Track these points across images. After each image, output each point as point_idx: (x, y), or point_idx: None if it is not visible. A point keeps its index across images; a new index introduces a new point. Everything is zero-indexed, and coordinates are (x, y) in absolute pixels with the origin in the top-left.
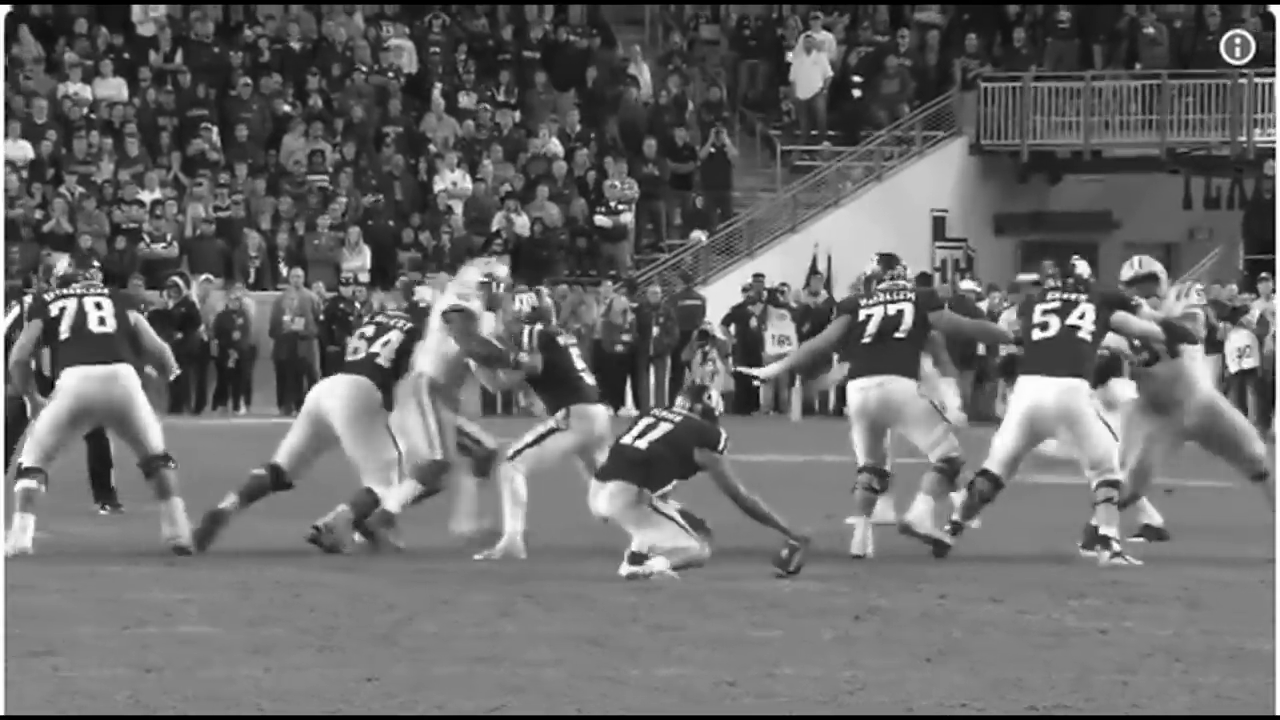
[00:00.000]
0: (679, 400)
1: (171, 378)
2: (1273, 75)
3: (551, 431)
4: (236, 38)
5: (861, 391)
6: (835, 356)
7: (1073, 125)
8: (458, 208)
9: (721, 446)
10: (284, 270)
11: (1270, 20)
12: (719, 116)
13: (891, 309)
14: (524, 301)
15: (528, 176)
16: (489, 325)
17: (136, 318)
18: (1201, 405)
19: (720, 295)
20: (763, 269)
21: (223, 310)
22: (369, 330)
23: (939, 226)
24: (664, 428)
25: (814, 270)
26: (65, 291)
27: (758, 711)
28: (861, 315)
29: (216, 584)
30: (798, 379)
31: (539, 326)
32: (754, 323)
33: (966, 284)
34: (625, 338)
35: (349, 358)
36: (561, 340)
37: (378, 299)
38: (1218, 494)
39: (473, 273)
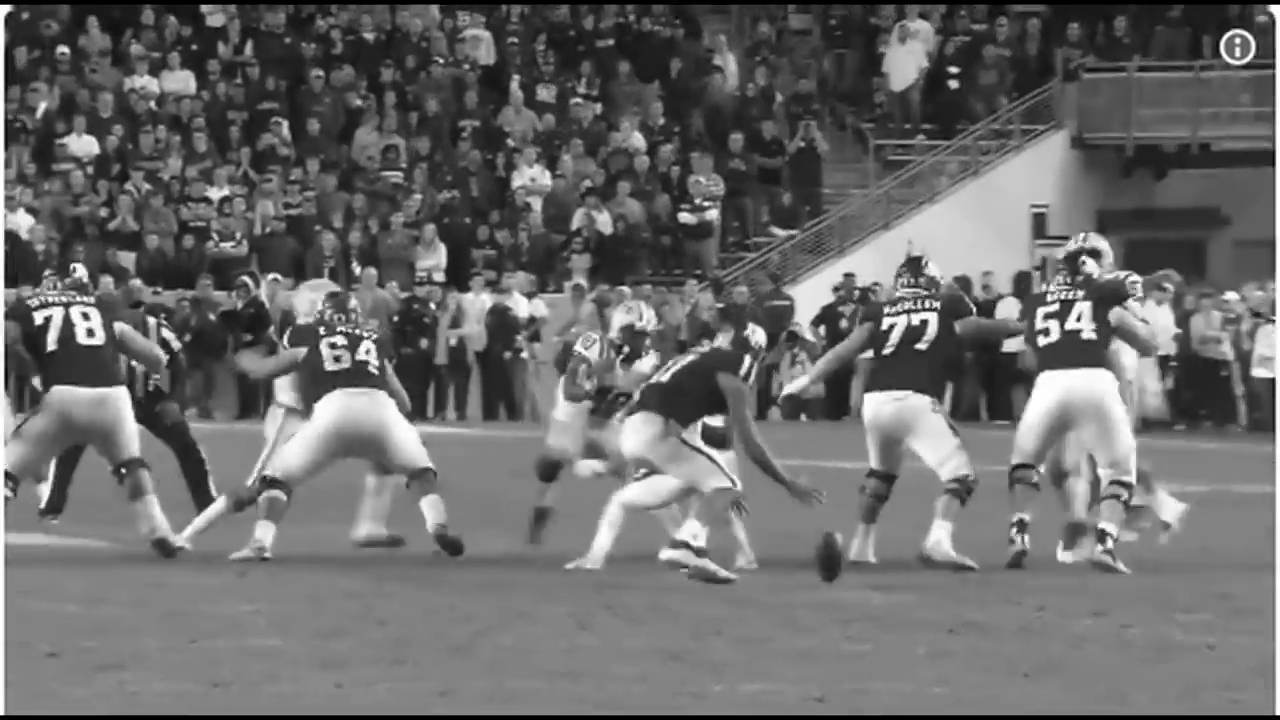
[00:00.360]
0: (718, 333)
1: (160, 375)
2: None
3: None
4: (308, 29)
5: (876, 405)
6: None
7: (1180, 117)
8: (536, 204)
9: (744, 372)
10: (356, 269)
11: None
12: (808, 109)
13: (915, 319)
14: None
15: (609, 172)
16: (646, 366)
17: (121, 328)
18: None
19: (809, 295)
20: (854, 268)
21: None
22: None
23: (1039, 224)
24: (688, 358)
25: None
26: (50, 300)
27: None
28: (885, 324)
29: (286, 595)
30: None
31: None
32: (844, 324)
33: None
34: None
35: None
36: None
37: (453, 299)
38: None
39: (620, 317)
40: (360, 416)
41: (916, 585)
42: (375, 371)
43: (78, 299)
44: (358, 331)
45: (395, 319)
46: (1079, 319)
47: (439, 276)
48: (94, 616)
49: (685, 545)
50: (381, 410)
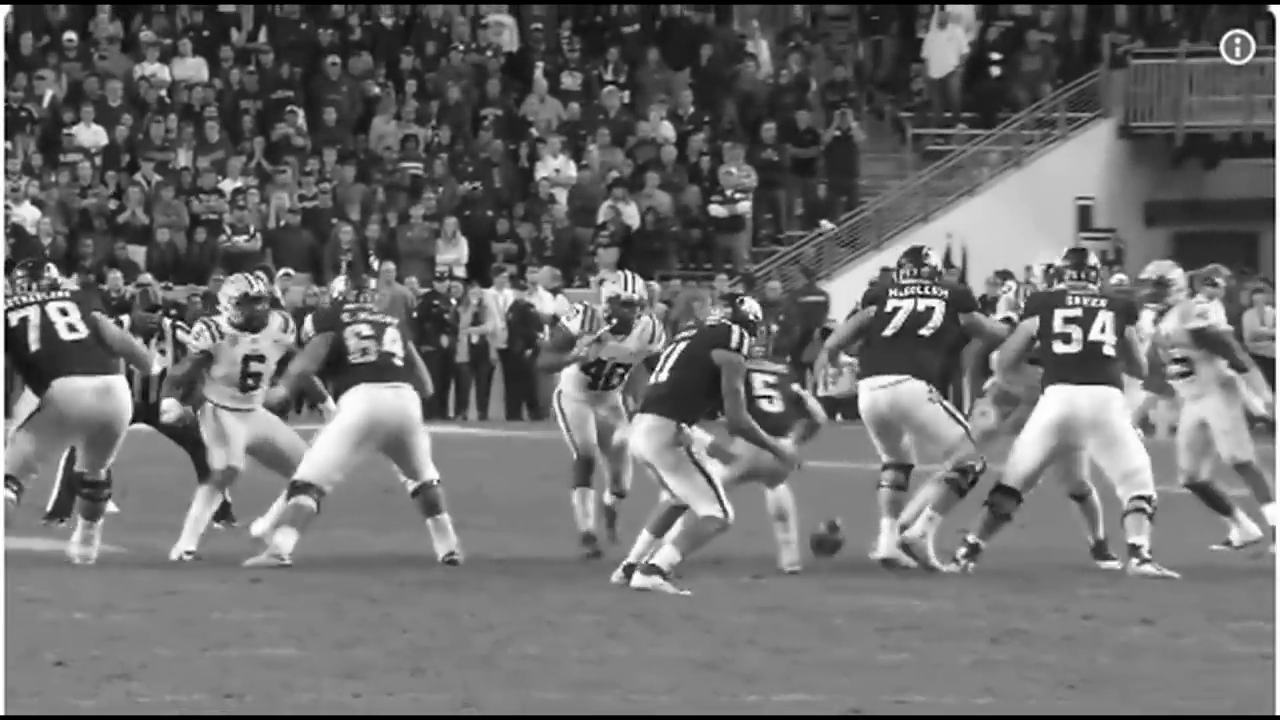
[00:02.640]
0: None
1: (154, 373)
2: None
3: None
4: (324, 14)
5: (870, 392)
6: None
7: (1231, 106)
8: (561, 196)
9: (736, 344)
10: (375, 264)
11: None
12: (844, 97)
13: (921, 304)
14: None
15: (637, 162)
16: (631, 344)
17: (98, 318)
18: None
19: (845, 291)
20: (891, 262)
21: (301, 306)
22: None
23: (1084, 216)
24: (680, 345)
25: (948, 263)
26: (24, 300)
27: None
28: (889, 306)
29: (302, 602)
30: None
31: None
32: None
33: (1116, 277)
34: None
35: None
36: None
37: (475, 295)
38: None
39: (609, 288)
40: (387, 412)
41: (957, 592)
42: (401, 363)
43: (53, 296)
44: (381, 319)
45: (415, 315)
46: (1103, 330)
47: (460, 271)
48: (103, 624)
49: (659, 571)
50: (408, 407)
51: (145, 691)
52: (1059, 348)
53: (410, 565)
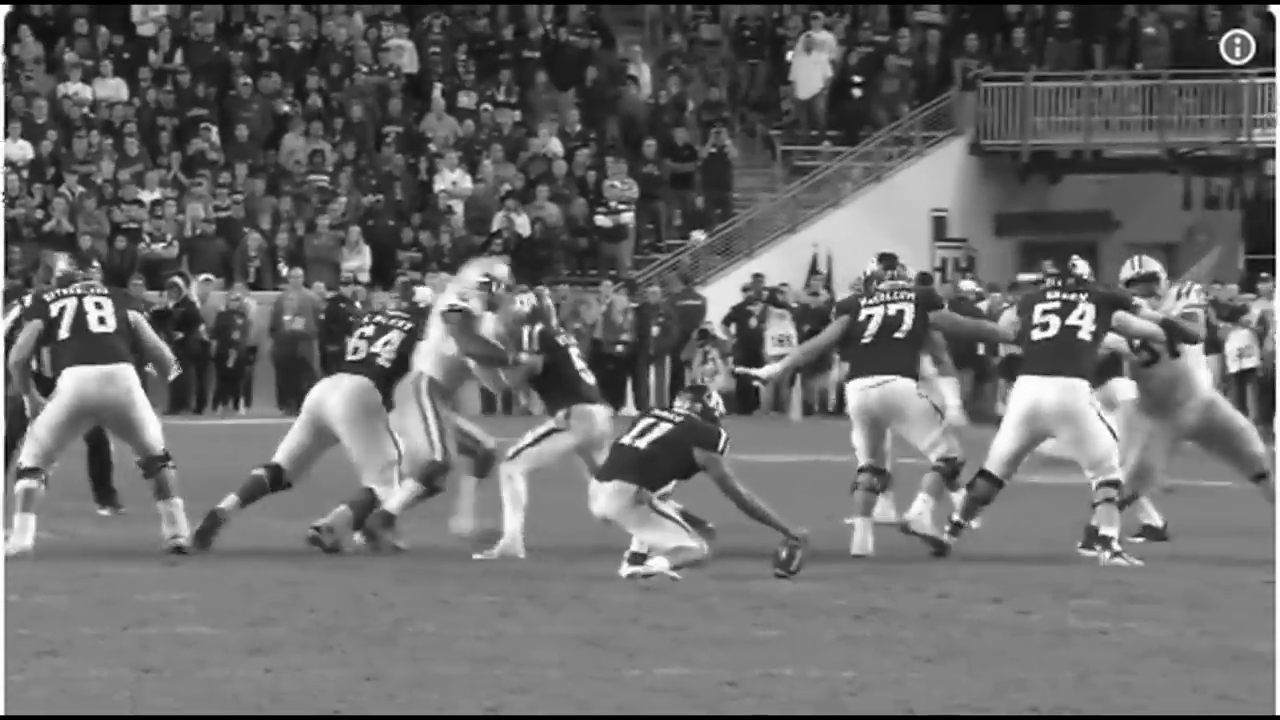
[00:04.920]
0: (679, 401)
1: (171, 377)
2: (1273, 75)
3: (552, 432)
4: (236, 38)
5: (861, 391)
6: (835, 357)
7: (1073, 125)
8: (458, 207)
9: (721, 447)
10: (284, 270)
11: (1270, 20)
12: (719, 116)
13: (892, 309)
14: (524, 302)
15: (528, 176)
16: (489, 325)
17: (136, 317)
18: (1202, 405)
19: (720, 295)
20: (762, 269)
21: (223, 310)
22: (369, 330)
23: (939, 226)
24: (663, 428)
25: (814, 270)
26: (65, 291)
27: (758, 711)
28: (862, 315)
29: (217, 584)
30: (798, 379)
31: (539, 327)
32: (754, 322)
33: (967, 284)
34: (625, 338)
35: (349, 357)
36: (561, 340)
37: (378, 299)
38: (1218, 494)
39: (473, 272)
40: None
41: (824, 575)
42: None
43: (93, 290)
44: (386, 321)
45: (321, 318)
46: (1081, 317)
47: (364, 277)
48: (29, 605)
49: (643, 559)
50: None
51: (70, 667)
52: (1036, 335)
53: (316, 551)
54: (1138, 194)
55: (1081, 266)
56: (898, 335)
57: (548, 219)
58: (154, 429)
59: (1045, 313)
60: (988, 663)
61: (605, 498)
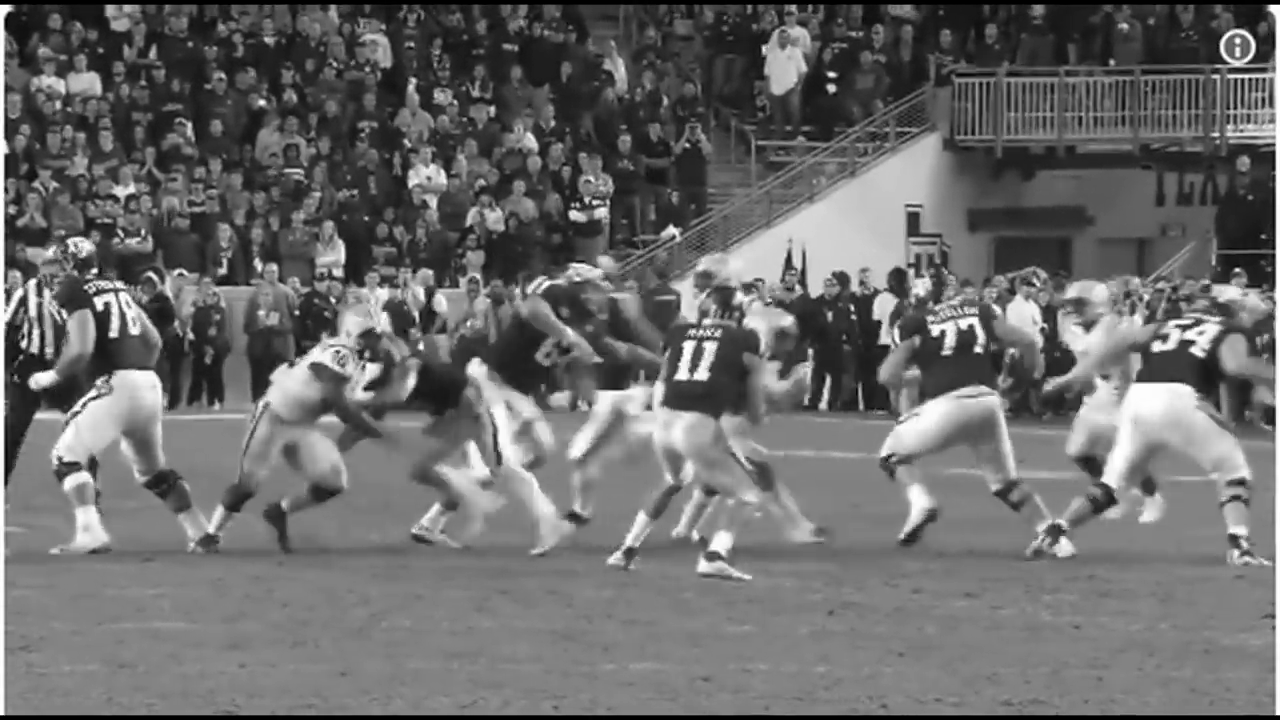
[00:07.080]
0: (709, 313)
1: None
2: (1245, 72)
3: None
4: (210, 33)
5: (960, 400)
6: (810, 351)
7: (1046, 121)
8: (432, 203)
9: (763, 350)
10: (258, 265)
11: (1241, 14)
12: (693, 112)
13: (963, 324)
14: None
15: (502, 172)
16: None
17: (145, 318)
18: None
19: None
20: (737, 264)
21: (200, 306)
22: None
23: (913, 222)
24: (711, 348)
25: (788, 266)
26: (104, 286)
27: (732, 709)
28: (934, 331)
29: (191, 580)
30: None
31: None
32: None
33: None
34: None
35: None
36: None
37: (352, 294)
38: (1188, 489)
39: (353, 322)
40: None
41: (798, 570)
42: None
43: (119, 288)
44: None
45: (296, 313)
46: (1200, 334)
47: (338, 272)
48: (3, 599)
49: (719, 557)
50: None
51: (43, 662)
52: (1157, 346)
53: (292, 545)
54: (1111, 190)
55: (1230, 292)
56: (977, 350)
57: (522, 214)
58: (160, 438)
59: (1177, 326)
60: (961, 657)
61: (683, 430)
